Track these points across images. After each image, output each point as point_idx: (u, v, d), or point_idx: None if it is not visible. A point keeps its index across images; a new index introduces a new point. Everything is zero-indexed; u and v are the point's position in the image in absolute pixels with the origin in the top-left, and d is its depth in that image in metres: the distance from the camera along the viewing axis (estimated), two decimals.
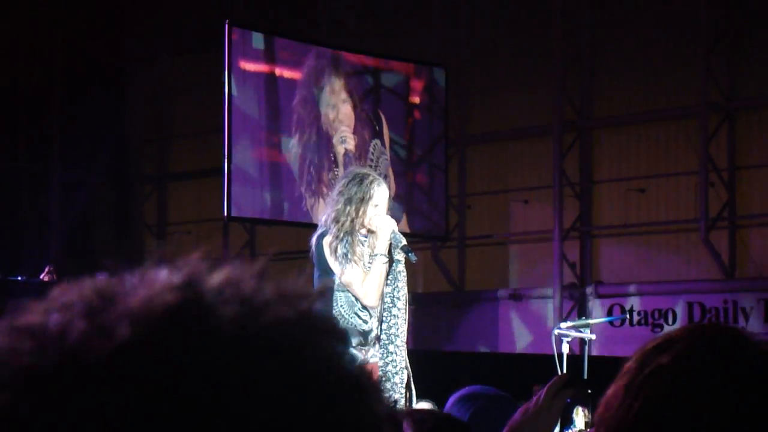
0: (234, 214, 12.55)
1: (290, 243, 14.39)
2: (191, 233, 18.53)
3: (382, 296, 6.07)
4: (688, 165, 14.26)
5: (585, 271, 15.14)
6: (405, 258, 6.11)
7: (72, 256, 17.26)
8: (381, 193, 6.09)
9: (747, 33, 14.08)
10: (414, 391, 6.27)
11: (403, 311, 6.06)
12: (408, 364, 6.13)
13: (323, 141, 12.75)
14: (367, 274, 6.04)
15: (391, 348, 6.03)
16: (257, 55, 12.58)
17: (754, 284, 13.69)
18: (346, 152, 12.67)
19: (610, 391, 1.33)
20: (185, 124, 18.42)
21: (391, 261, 6.10)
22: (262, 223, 15.02)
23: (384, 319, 6.06)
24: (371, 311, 6.08)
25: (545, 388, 2.73)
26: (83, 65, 17.83)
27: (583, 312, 14.48)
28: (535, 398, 2.71)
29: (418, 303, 15.42)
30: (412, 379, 6.20)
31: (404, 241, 6.09)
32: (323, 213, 6.26)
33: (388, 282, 6.06)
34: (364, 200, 6.00)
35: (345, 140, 12.75)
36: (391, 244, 6.08)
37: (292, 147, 12.69)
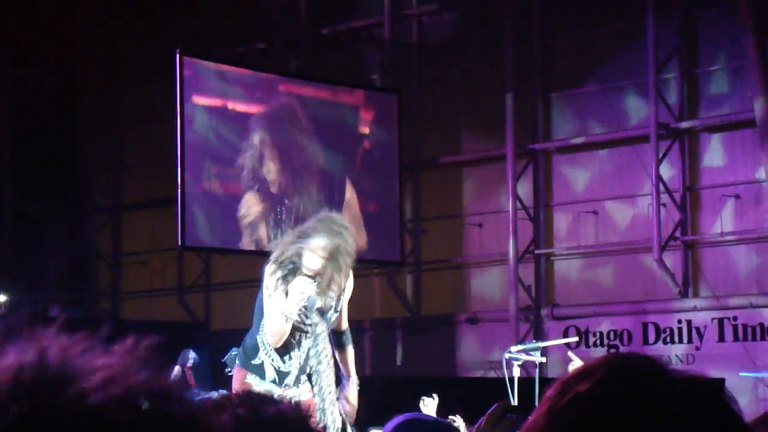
0: (189, 243, 12.54)
1: (246, 271, 14.37)
2: (146, 264, 18.45)
3: (308, 356, 6.19)
4: (641, 187, 14.41)
5: (540, 293, 15.23)
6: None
7: (25, 289, 17.13)
8: (311, 258, 6.05)
9: (695, 52, 14.28)
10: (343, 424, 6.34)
11: (328, 371, 6.12)
12: (342, 415, 6.23)
13: (265, 184, 12.83)
14: (277, 318, 6.10)
15: (326, 405, 6.11)
16: (209, 88, 12.62)
17: (708, 303, 13.83)
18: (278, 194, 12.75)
19: (531, 419, 1.35)
20: (138, 154, 18.37)
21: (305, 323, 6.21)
22: (217, 252, 15.01)
23: (314, 382, 6.15)
24: (293, 353, 6.20)
25: (485, 416, 2.78)
26: (35, 96, 17.75)
27: (539, 334, 14.55)
28: (476, 425, 2.75)
29: (374, 329, 15.45)
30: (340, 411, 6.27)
31: (319, 303, 6.11)
32: (282, 239, 6.35)
33: (313, 343, 6.15)
34: (311, 244, 6.01)
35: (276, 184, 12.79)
36: (306, 308, 6.11)
37: (242, 179, 12.72)
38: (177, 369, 10.66)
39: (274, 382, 6.23)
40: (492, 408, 2.73)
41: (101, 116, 18.58)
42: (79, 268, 19.11)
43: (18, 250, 17.71)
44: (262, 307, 6.23)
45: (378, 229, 13.96)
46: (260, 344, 6.22)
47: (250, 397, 1.68)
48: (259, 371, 6.23)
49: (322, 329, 6.17)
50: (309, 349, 6.18)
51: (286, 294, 6.08)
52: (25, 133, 17.67)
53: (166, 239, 16.12)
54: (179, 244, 12.64)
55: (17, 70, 17.61)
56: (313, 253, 6.03)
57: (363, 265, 15.40)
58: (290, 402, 1.70)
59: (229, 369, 6.44)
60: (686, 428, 1.29)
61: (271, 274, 6.11)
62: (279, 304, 6.11)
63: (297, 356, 6.24)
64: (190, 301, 17.97)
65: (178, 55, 12.17)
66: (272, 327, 6.15)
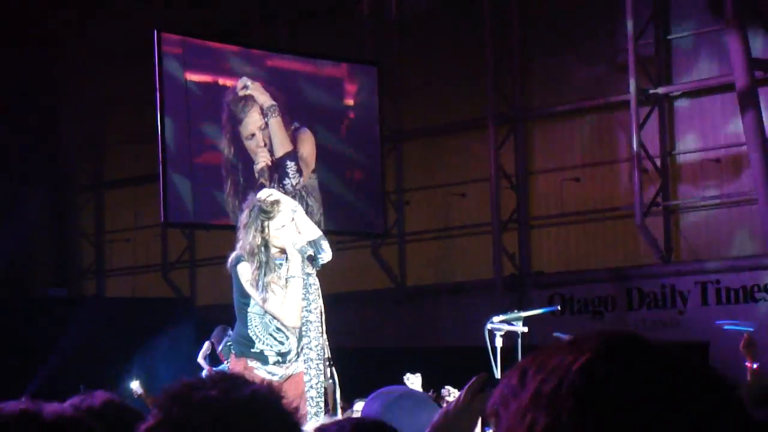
0: (172, 219, 12.64)
1: (231, 246, 14.50)
2: (129, 240, 18.53)
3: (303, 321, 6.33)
4: (621, 154, 14.55)
5: (524, 261, 15.38)
6: (315, 264, 6.33)
7: (11, 270, 17.21)
8: (283, 214, 6.29)
9: (668, 18, 14.41)
10: (338, 396, 6.46)
11: (317, 324, 6.30)
12: (329, 374, 6.36)
13: (244, 154, 12.92)
14: (285, 297, 6.29)
15: (306, 362, 6.28)
16: (198, 63, 12.73)
17: (690, 267, 14.00)
18: (261, 170, 12.85)
19: (511, 408, 1.30)
20: (120, 131, 18.42)
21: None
22: (200, 228, 15.11)
23: (304, 333, 6.31)
24: (288, 332, 6.34)
25: (464, 389, 2.77)
26: (16, 75, 17.76)
27: (524, 303, 14.68)
28: (454, 400, 2.76)
29: (359, 301, 15.59)
30: (337, 385, 6.40)
31: (310, 251, 6.30)
32: (237, 241, 6.46)
33: (305, 295, 6.31)
34: (266, 228, 6.23)
35: (259, 160, 12.90)
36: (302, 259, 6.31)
37: (223, 149, 12.83)
38: (207, 344, 10.77)
39: (276, 363, 6.38)
40: (471, 380, 2.77)
41: (82, 94, 18.62)
42: (63, 247, 19.17)
43: (1, 229, 17.76)
44: (243, 305, 6.35)
45: (361, 201, 14.10)
46: (254, 337, 6.35)
47: (223, 378, 1.71)
48: (260, 357, 6.37)
49: (314, 280, 6.33)
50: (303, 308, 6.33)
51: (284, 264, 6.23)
52: (5, 113, 17.68)
53: (149, 216, 16.22)
54: (162, 220, 12.73)
55: None
56: (277, 206, 6.23)
57: (347, 238, 15.57)
58: (263, 382, 1.73)
59: (226, 360, 6.57)
60: (676, 403, 1.28)
61: (251, 271, 6.26)
62: (289, 292, 6.23)
63: (294, 331, 6.36)
64: (175, 278, 18.08)
65: (156, 34, 12.28)
66: (287, 309, 6.27)
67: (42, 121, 18.33)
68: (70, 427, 1.61)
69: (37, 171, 18.13)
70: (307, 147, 13.42)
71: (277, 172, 12.98)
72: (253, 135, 12.89)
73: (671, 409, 1.28)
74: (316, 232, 6.46)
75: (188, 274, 18.06)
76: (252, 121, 12.95)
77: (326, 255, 6.43)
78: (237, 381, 1.72)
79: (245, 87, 12.99)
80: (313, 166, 13.50)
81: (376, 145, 14.47)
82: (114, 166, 18.84)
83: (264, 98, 13.05)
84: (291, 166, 13.14)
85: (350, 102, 14.20)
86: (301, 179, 13.23)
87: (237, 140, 12.84)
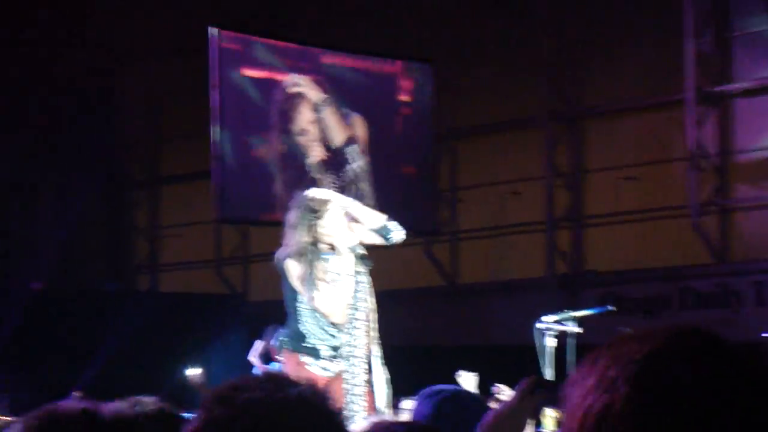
0: (224, 214, 12.69)
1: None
2: (183, 236, 18.64)
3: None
4: (678, 151, 14.45)
5: (577, 260, 15.32)
6: (365, 263, 6.42)
7: (65, 264, 17.38)
8: (332, 213, 6.34)
9: (727, 15, 14.28)
10: (388, 393, 6.47)
11: (363, 322, 6.37)
12: (380, 372, 6.37)
13: (298, 148, 12.95)
14: (332, 294, 6.35)
15: (350, 360, 6.32)
16: (255, 60, 12.80)
17: (746, 268, 13.88)
18: (314, 164, 12.86)
19: (576, 392, 1.33)
20: (177, 126, 18.53)
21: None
22: (252, 224, 15.18)
23: (347, 330, 6.40)
24: (339, 326, 6.40)
25: (517, 390, 2.76)
26: (72, 69, 17.91)
27: (577, 302, 14.62)
28: (505, 400, 2.77)
29: (410, 298, 15.59)
30: (388, 384, 6.42)
31: (361, 251, 6.38)
32: (284, 238, 6.49)
33: (354, 293, 6.39)
34: (315, 227, 6.29)
35: (312, 154, 12.94)
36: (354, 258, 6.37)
37: (275, 145, 12.88)
38: (258, 343, 10.82)
39: (329, 358, 6.40)
40: (522, 382, 2.77)
41: (139, 88, 18.76)
42: (117, 242, 19.34)
43: (56, 223, 17.93)
44: (294, 301, 6.40)
45: (414, 198, 14.08)
46: (306, 332, 6.40)
47: (268, 379, 1.72)
48: (313, 352, 6.41)
49: (365, 278, 6.41)
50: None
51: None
52: (61, 108, 17.83)
53: (203, 212, 16.30)
54: (215, 216, 12.79)
55: (51, 42, 17.73)
56: (328, 205, 6.29)
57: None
58: (309, 382, 1.73)
59: (278, 356, 6.62)
60: (745, 399, 1.28)
61: (299, 268, 6.31)
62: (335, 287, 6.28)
63: (342, 327, 6.42)
64: (228, 274, 18.18)
65: (210, 30, 12.36)
66: (334, 306, 6.35)
67: (98, 115, 18.47)
68: (128, 428, 1.63)
69: (93, 165, 18.28)
70: (360, 130, 13.43)
71: (336, 161, 12.98)
72: (304, 130, 12.92)
73: (728, 406, 1.27)
74: (380, 219, 6.52)
75: (241, 269, 18.15)
76: (303, 118, 12.98)
77: (396, 234, 6.54)
78: (282, 382, 1.72)
79: (296, 84, 13.04)
80: (365, 150, 13.49)
81: (430, 142, 14.47)
82: (170, 161, 18.96)
83: (315, 93, 13.08)
84: (353, 149, 13.14)
85: (405, 98, 14.20)
86: (363, 162, 13.22)
87: (288, 136, 12.88)
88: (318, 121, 12.99)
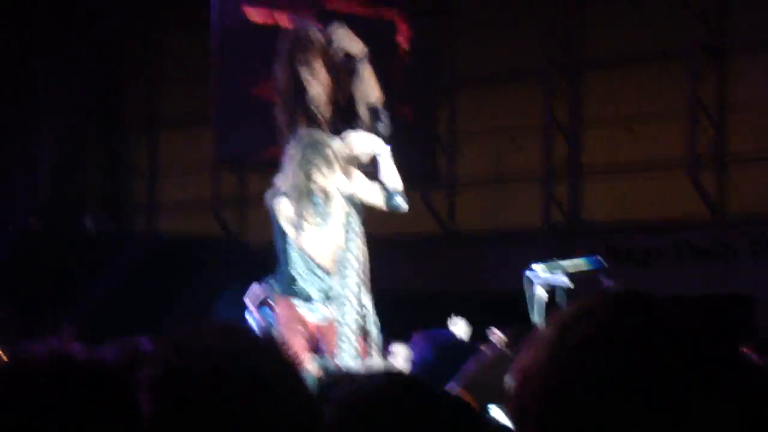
0: (225, 156, 12.62)
1: None
2: (182, 177, 18.58)
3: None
4: (677, 104, 14.48)
5: (573, 212, 15.39)
6: (357, 209, 6.40)
7: (59, 198, 17.35)
8: (333, 155, 6.32)
9: None
10: (378, 338, 6.49)
11: (355, 264, 6.36)
12: (370, 316, 6.41)
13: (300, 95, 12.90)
14: (320, 236, 6.33)
15: (342, 304, 6.31)
16: (257, 1, 12.74)
17: (742, 223, 13.95)
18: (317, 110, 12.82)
19: (528, 360, 1.37)
20: (175, 67, 18.43)
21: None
22: (252, 163, 15.13)
23: (338, 270, 6.38)
24: (328, 269, 6.38)
25: (503, 339, 2.81)
26: (68, 6, 17.80)
27: (570, 252, 14.68)
28: (488, 349, 2.84)
29: (406, 245, 15.67)
30: (377, 328, 6.43)
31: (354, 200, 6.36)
32: (279, 175, 6.48)
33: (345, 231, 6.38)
34: (314, 164, 6.26)
35: (315, 99, 12.91)
36: (344, 202, 6.36)
37: (282, 88, 12.85)
38: (255, 285, 10.86)
39: (319, 301, 6.42)
40: (508, 330, 2.83)
41: (134, 24, 18.63)
42: (113, 180, 19.27)
43: (54, 164, 17.90)
44: (283, 243, 6.37)
45: (413, 144, 14.10)
46: (296, 275, 6.38)
47: (225, 328, 1.72)
48: (302, 294, 6.40)
49: (355, 219, 6.42)
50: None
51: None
52: (56, 44, 17.69)
53: (203, 153, 16.26)
54: (215, 157, 12.72)
55: None
56: (327, 148, 6.29)
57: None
58: (265, 334, 1.74)
59: (270, 299, 6.61)
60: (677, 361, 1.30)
61: (287, 206, 6.30)
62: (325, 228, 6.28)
63: (332, 270, 6.41)
64: (227, 216, 18.17)
65: None
66: (322, 249, 6.32)
67: (95, 56, 18.37)
68: (102, 374, 1.59)
69: (89, 105, 18.23)
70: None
71: (351, 112, 12.96)
72: (315, 75, 12.85)
73: (634, 357, 1.31)
74: (399, 183, 6.52)
75: (238, 212, 18.13)
76: (315, 64, 12.93)
77: (402, 204, 6.57)
78: (238, 331, 1.74)
79: (326, 36, 13.00)
80: None
81: (428, 89, 14.48)
82: (169, 102, 18.88)
83: (356, 45, 13.04)
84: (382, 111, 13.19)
85: (405, 46, 14.21)
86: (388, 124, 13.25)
87: (296, 78, 12.84)
88: (348, 72, 12.93)
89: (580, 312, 1.36)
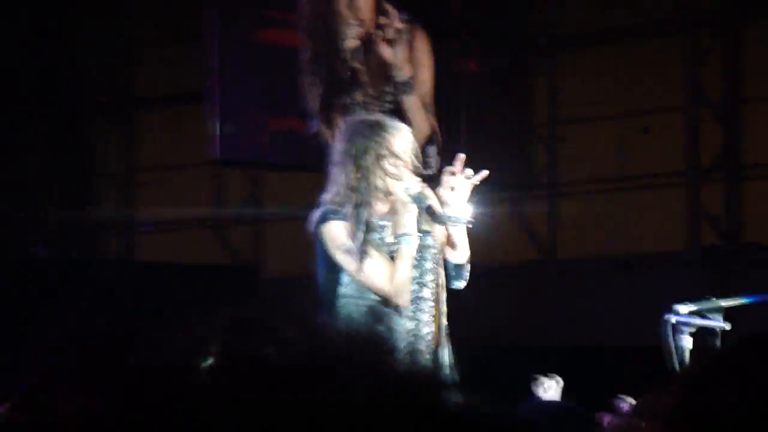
0: (229, 153, 12.65)
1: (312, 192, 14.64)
2: (169, 183, 18.63)
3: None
4: None
5: (732, 228, 15.43)
6: (434, 225, 6.40)
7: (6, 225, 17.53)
8: (402, 142, 6.32)
9: None
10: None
11: (430, 303, 6.40)
12: (446, 367, 6.50)
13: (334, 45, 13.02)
14: (393, 266, 6.29)
15: (413, 354, 6.29)
16: None
17: None
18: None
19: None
20: (154, 32, 18.66)
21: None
22: (269, 168, 15.16)
23: (410, 314, 6.37)
24: (395, 322, 6.32)
25: (634, 407, 3.01)
26: None
27: (730, 286, 14.66)
28: (626, 420, 3.01)
29: (489, 277, 15.72)
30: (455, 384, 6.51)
31: (429, 200, 6.31)
32: (328, 184, 6.46)
33: (418, 261, 6.37)
34: (381, 156, 6.24)
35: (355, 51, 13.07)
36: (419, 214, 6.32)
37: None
38: None
39: None
40: (639, 401, 2.98)
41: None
42: (73, 187, 19.32)
43: None
44: (332, 284, 6.34)
45: (494, 139, 14.07)
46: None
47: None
48: None
49: (432, 241, 6.43)
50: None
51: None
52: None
53: (195, 148, 16.38)
54: (215, 154, 12.70)
55: None
56: (395, 130, 6.35)
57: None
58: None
59: None
60: None
61: (342, 230, 6.28)
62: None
63: (402, 314, 6.42)
64: (233, 237, 18.29)
65: None
66: (399, 282, 6.28)
67: (53, 23, 18.56)
68: None
69: (45, 89, 18.38)
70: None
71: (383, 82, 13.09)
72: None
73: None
74: (466, 253, 6.59)
75: (251, 232, 18.24)
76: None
77: (462, 283, 6.62)
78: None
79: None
80: None
81: (522, 56, 14.51)
82: (146, 78, 19.08)
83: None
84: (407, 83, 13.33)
85: None
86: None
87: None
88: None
89: (717, 369, 1.56)
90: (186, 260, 17.42)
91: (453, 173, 6.33)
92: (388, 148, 6.23)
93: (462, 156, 6.37)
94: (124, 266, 17.37)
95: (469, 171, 6.36)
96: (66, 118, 19.21)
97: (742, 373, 1.52)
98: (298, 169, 13.12)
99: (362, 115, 6.68)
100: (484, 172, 6.42)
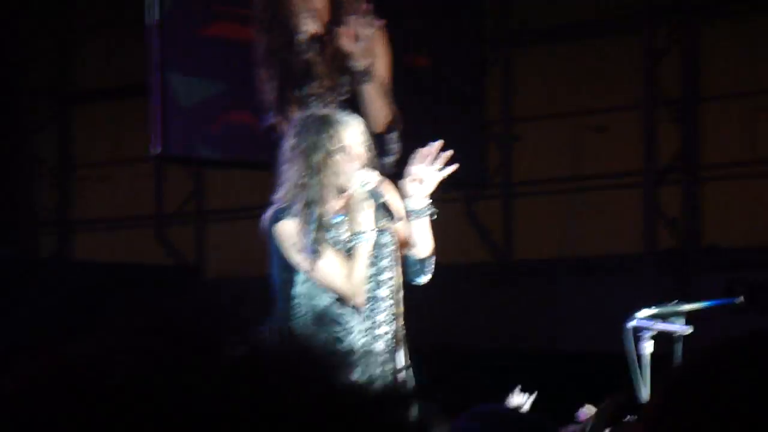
0: (173, 150, 12.60)
1: (256, 191, 14.50)
2: (108, 180, 18.65)
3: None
4: None
5: (690, 230, 15.33)
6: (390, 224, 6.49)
7: None
8: (354, 135, 6.37)
9: None
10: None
11: (389, 302, 6.49)
12: (403, 375, 6.53)
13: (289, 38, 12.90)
14: (350, 264, 6.36)
15: (366, 353, 6.31)
16: None
17: None
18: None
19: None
20: (98, 16, 18.52)
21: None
22: (221, 165, 15.12)
23: (365, 312, 6.46)
24: (351, 318, 6.43)
25: (593, 414, 3.05)
26: None
27: (688, 291, 14.67)
28: (579, 427, 3.00)
29: (443, 279, 15.59)
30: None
31: (385, 197, 6.41)
32: (277, 182, 6.50)
33: (376, 258, 6.46)
34: (331, 151, 6.28)
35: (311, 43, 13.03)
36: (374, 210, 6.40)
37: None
38: None
39: None
40: (603, 404, 2.90)
41: None
42: (7, 184, 19.30)
43: None
44: (287, 284, 6.39)
45: (448, 136, 14.02)
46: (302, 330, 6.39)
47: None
48: None
49: (389, 238, 6.51)
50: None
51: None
52: None
53: (137, 143, 16.28)
54: (156, 149, 12.67)
55: None
56: (346, 124, 6.35)
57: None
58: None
59: None
60: None
61: (293, 228, 6.31)
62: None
63: (358, 313, 6.52)
64: (174, 236, 18.20)
65: None
66: (356, 280, 6.36)
67: None
68: None
69: None
70: None
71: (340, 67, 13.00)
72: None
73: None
74: (430, 245, 6.80)
75: (193, 231, 18.19)
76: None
77: (426, 278, 6.85)
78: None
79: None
80: None
81: (474, 52, 14.52)
82: (86, 69, 18.96)
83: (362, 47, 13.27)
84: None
85: None
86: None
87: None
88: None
89: (701, 370, 1.57)
90: (125, 259, 17.53)
91: (425, 156, 6.49)
92: (338, 143, 6.28)
93: (438, 143, 6.58)
94: (59, 266, 17.42)
95: (439, 162, 6.57)
96: (1, 110, 19.15)
97: (727, 374, 1.59)
98: (247, 166, 13.17)
99: (314, 109, 6.74)
100: (454, 166, 6.63)
